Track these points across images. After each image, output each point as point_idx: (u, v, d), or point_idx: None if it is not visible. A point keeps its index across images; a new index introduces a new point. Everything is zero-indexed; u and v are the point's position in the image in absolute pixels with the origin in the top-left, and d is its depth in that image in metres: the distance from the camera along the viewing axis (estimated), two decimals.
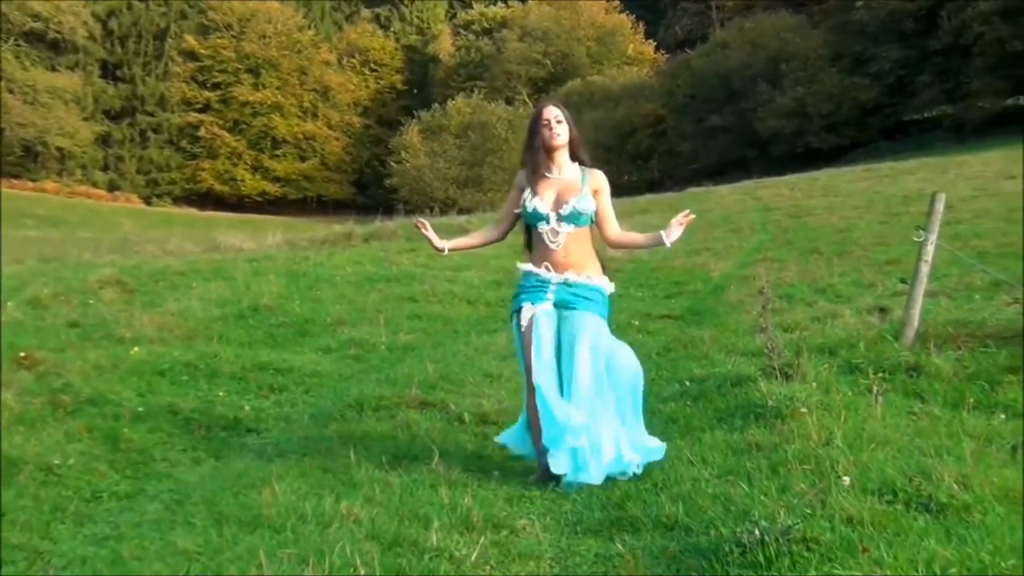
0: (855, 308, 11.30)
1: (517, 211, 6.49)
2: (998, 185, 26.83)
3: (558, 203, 6.26)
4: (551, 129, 6.27)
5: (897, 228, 20.20)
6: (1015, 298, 10.47)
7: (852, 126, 64.53)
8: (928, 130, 61.98)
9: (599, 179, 6.39)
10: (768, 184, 40.08)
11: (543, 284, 6.30)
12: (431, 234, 6.49)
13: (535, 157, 6.33)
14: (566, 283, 6.26)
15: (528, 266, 6.42)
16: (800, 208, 28.46)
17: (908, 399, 7.27)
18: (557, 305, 6.27)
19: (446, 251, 6.58)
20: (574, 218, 6.26)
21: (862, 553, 4.01)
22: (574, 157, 6.40)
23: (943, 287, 11.66)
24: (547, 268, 6.30)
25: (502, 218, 6.71)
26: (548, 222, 6.27)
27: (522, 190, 6.42)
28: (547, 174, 6.33)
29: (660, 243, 6.30)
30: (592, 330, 6.21)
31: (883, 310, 10.96)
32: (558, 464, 5.98)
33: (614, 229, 6.45)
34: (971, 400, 6.95)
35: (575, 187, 6.30)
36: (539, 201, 6.28)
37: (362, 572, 4.35)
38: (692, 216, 6.31)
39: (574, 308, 6.23)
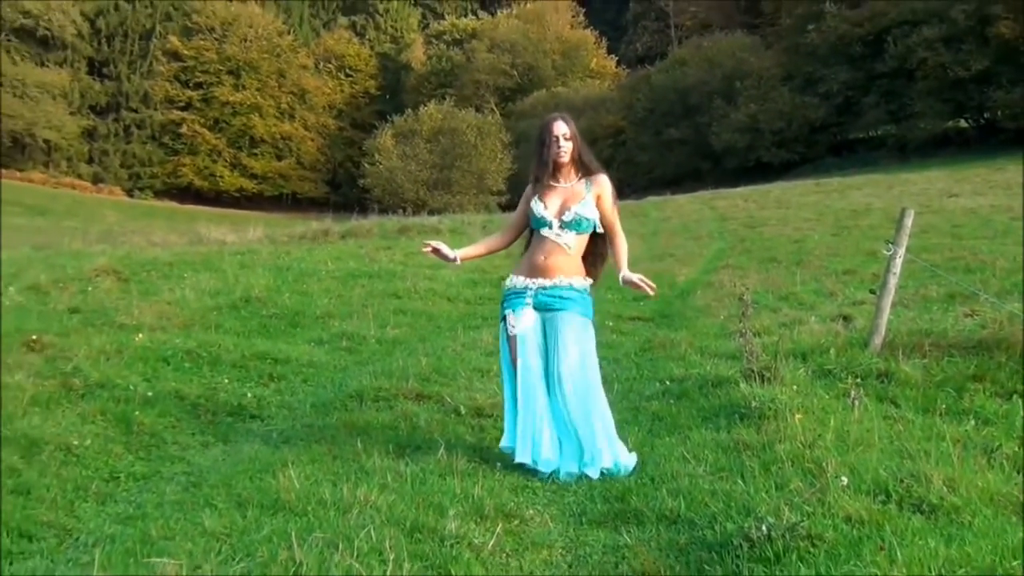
0: (819, 316, 11.32)
1: (526, 222, 6.55)
2: (942, 202, 27.07)
3: (561, 210, 6.27)
4: (559, 146, 6.26)
5: (849, 240, 20.34)
6: (972, 310, 10.57)
7: (801, 142, 64.96)
8: (873, 148, 62.46)
9: (601, 183, 6.37)
10: (724, 195, 40.21)
11: (522, 291, 6.32)
12: (442, 247, 6.44)
13: (542, 170, 6.31)
14: (541, 288, 6.28)
15: (509, 279, 6.46)
16: (755, 219, 28.59)
17: (881, 404, 7.27)
18: (538, 308, 6.29)
19: (458, 261, 6.50)
20: (576, 224, 6.27)
21: (879, 551, 4.03)
22: (581, 165, 6.39)
23: (901, 298, 11.68)
24: (525, 276, 6.34)
25: (509, 227, 6.71)
26: (551, 227, 6.27)
27: (529, 202, 6.43)
28: (553, 183, 6.33)
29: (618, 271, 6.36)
30: (575, 330, 6.24)
31: (846, 318, 11.02)
32: (522, 455, 6.10)
33: (616, 240, 6.44)
34: (942, 406, 6.96)
35: (579, 195, 6.30)
36: (543, 207, 6.29)
37: (391, 557, 4.33)
38: (653, 293, 6.40)
39: (556, 310, 6.25)
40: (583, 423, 6.12)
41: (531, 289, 6.29)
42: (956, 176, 36.03)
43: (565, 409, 6.15)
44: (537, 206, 6.31)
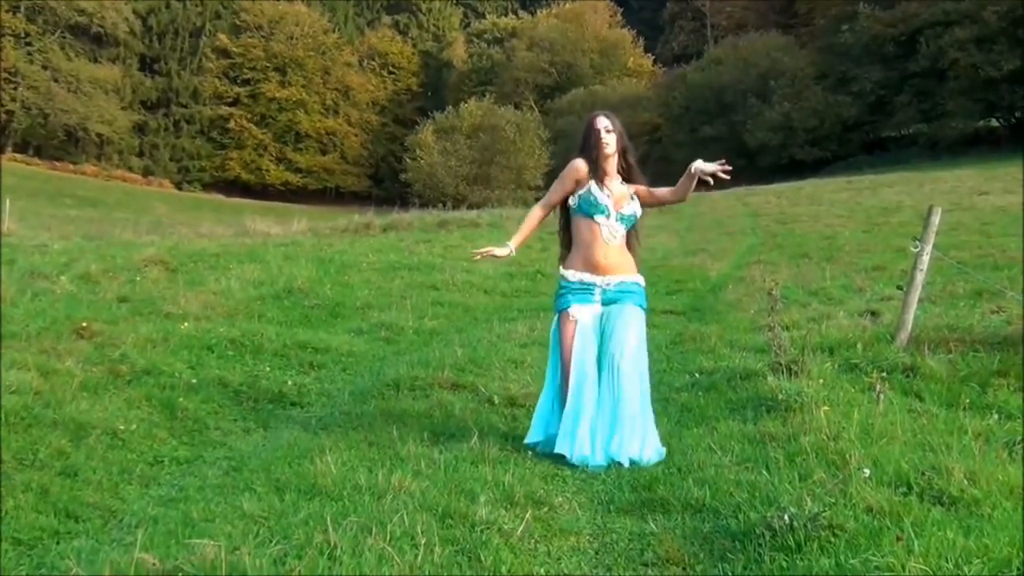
0: (847, 311, 11.25)
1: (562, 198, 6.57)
2: (972, 200, 26.83)
3: (618, 204, 6.38)
4: (601, 139, 6.33)
5: (879, 237, 20.20)
6: (999, 306, 10.49)
7: (834, 140, 64.80)
8: (905, 146, 62.16)
9: (634, 187, 6.55)
10: (757, 192, 40.00)
11: (589, 287, 6.37)
12: (493, 250, 6.52)
13: (594, 163, 6.37)
14: (608, 285, 6.36)
15: (571, 272, 6.44)
16: (787, 215, 28.45)
17: (906, 398, 7.23)
18: (603, 303, 6.38)
19: (513, 251, 6.54)
20: (629, 220, 6.43)
21: (896, 541, 4.01)
22: (625, 163, 6.48)
23: (928, 294, 11.59)
24: (591, 273, 6.38)
25: (546, 203, 6.67)
26: (608, 216, 6.34)
27: (577, 180, 6.42)
28: (606, 173, 6.42)
29: (688, 175, 6.39)
30: (636, 322, 6.35)
31: (874, 313, 10.95)
32: (562, 446, 6.14)
33: (657, 190, 6.61)
34: (966, 401, 6.91)
35: (626, 195, 6.44)
36: (602, 194, 6.34)
37: (422, 542, 4.35)
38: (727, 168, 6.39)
39: (619, 302, 6.36)
40: (630, 408, 6.18)
41: (598, 287, 6.37)
42: (987, 174, 35.69)
43: (616, 393, 6.21)
44: (597, 192, 6.33)
